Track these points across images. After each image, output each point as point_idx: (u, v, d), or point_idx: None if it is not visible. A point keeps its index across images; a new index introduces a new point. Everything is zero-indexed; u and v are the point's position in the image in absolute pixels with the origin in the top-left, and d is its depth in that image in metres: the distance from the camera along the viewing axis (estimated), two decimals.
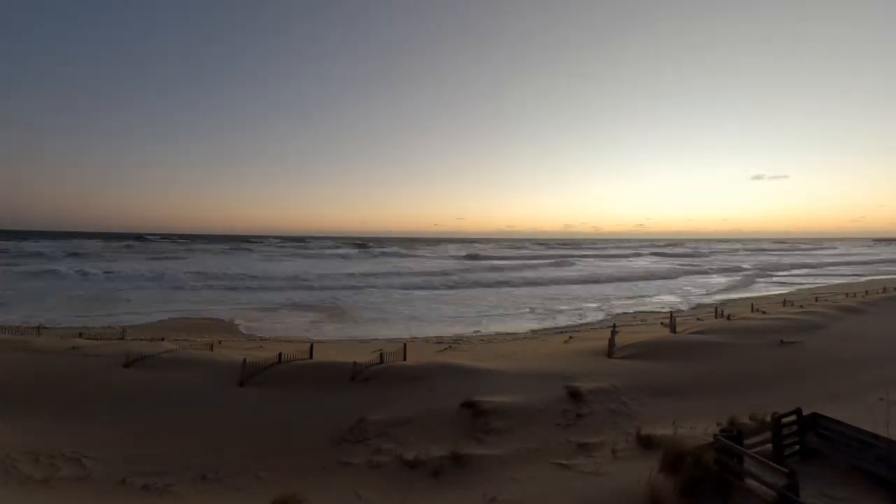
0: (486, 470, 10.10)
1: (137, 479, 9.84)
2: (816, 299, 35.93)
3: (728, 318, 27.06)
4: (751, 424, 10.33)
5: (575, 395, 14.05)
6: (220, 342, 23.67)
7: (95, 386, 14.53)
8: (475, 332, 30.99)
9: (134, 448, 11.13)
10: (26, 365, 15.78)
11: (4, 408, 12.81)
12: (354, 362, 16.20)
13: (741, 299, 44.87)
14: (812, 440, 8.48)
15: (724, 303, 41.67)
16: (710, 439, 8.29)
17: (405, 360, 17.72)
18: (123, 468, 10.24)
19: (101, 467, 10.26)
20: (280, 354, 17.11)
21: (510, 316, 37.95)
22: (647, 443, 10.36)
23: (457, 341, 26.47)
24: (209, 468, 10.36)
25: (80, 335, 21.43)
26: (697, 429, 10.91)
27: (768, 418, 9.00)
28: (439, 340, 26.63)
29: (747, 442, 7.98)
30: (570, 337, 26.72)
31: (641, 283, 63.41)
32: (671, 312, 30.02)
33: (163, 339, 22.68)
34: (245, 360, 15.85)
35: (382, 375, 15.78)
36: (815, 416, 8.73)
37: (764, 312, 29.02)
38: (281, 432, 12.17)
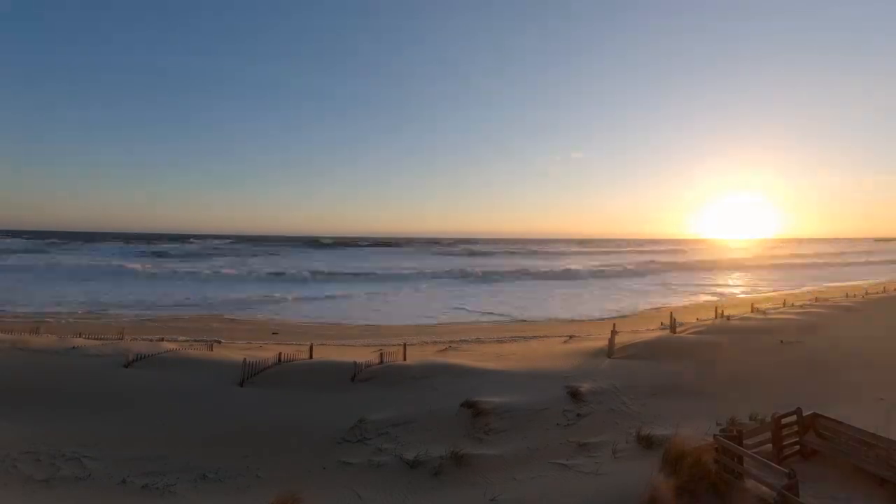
0: (486, 470, 10.11)
1: (137, 479, 9.85)
2: (816, 299, 35.95)
3: (728, 318, 27.06)
4: (751, 424, 10.33)
5: (575, 395, 14.06)
6: (219, 342, 23.68)
7: (95, 386, 14.53)
8: None
9: (134, 448, 11.13)
10: (26, 365, 15.79)
11: (4, 408, 12.81)
12: (354, 362, 16.21)
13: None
14: (812, 440, 8.50)
15: None
16: (710, 439, 8.30)
17: (405, 360, 17.72)
18: (123, 468, 10.25)
19: (101, 467, 10.26)
20: (280, 354, 17.12)
21: None
22: (647, 443, 10.36)
23: (458, 341, 26.48)
24: (209, 468, 10.37)
25: (80, 335, 21.43)
26: (697, 429, 10.91)
27: (768, 418, 9.01)
28: (438, 340, 26.63)
29: (747, 442, 7.99)
30: (570, 337, 26.72)
31: None
32: (671, 312, 30.00)
33: (162, 340, 22.69)
34: (245, 360, 15.86)
35: (382, 375, 15.79)
36: (815, 416, 8.75)
37: (764, 312, 29.03)
38: (281, 432, 12.17)
